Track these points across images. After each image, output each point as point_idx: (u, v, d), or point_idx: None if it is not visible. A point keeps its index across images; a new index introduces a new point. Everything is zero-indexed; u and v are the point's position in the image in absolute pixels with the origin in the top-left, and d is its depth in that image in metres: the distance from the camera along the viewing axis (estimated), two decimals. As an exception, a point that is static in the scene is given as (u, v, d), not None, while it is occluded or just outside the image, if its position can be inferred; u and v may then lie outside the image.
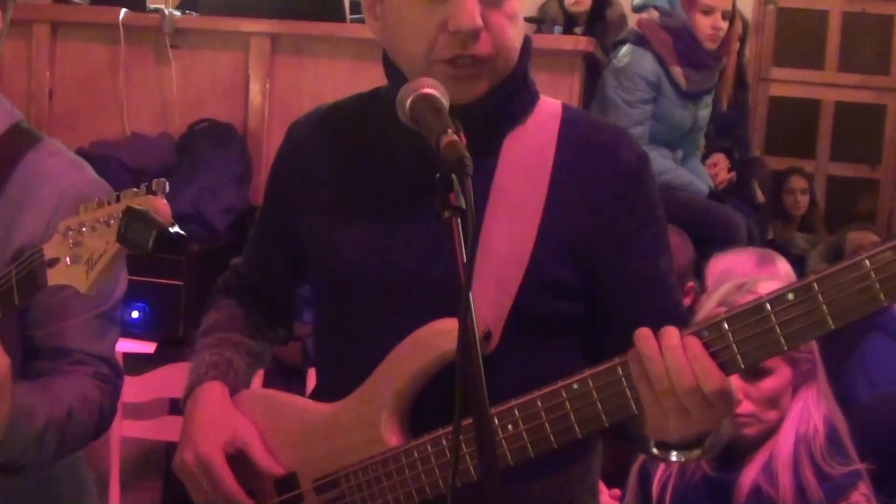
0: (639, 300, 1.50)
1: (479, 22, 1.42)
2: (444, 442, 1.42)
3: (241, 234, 3.74)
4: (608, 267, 1.50)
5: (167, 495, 3.52)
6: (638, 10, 4.26)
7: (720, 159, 4.55)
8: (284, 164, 1.68)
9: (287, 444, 1.54)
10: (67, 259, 1.37)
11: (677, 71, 4.07)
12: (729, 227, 4.08)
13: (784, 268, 2.90)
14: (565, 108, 1.58)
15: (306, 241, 1.62)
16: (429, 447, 1.43)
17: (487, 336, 1.44)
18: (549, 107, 1.58)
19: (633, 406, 1.32)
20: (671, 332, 1.28)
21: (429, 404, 1.46)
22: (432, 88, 1.34)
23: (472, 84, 1.46)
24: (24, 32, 4.01)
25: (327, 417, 1.53)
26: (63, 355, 1.65)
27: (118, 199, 1.34)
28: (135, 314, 3.50)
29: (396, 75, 1.52)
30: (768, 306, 1.23)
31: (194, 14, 4.07)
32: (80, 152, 3.81)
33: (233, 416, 1.56)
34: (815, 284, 1.20)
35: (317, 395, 1.63)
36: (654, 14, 4.12)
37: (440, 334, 1.43)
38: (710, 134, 4.60)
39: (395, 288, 1.51)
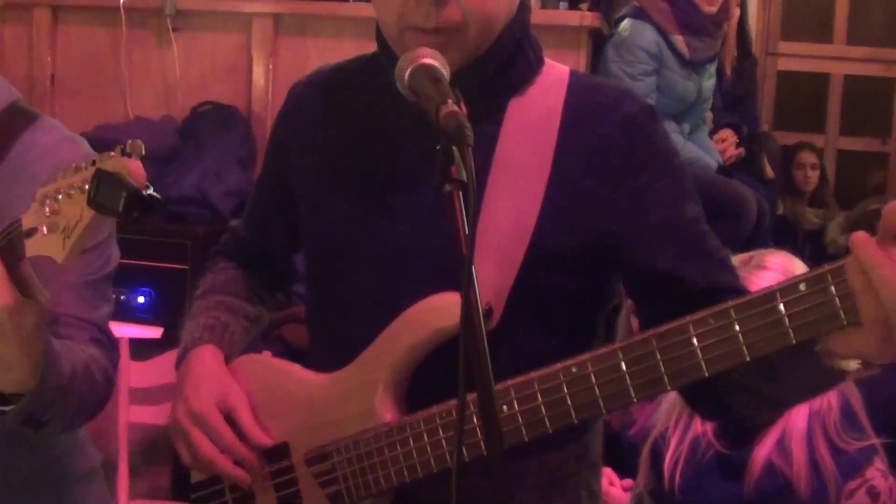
0: (670, 252, 1.42)
1: None
2: (437, 420, 1.38)
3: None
4: (626, 226, 1.43)
5: (175, 480, 3.51)
6: None
7: (728, 134, 4.52)
8: (284, 125, 1.63)
9: (279, 413, 1.51)
10: (45, 228, 1.31)
11: (678, 39, 4.06)
12: (739, 202, 4.04)
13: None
14: (573, 73, 1.53)
15: (301, 203, 1.58)
16: (422, 424, 1.39)
17: (488, 312, 1.40)
18: (557, 73, 1.53)
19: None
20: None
21: (426, 379, 1.43)
22: (431, 59, 1.31)
23: (441, 52, 1.38)
24: (24, 17, 4.00)
25: (322, 388, 1.49)
26: (55, 320, 1.61)
27: (93, 163, 1.27)
28: (141, 299, 3.49)
29: (383, 43, 1.49)
30: None
31: (196, -5, 4.05)
32: (84, 136, 3.80)
33: (225, 380, 1.53)
34: None
35: (311, 367, 1.60)
36: None
37: (437, 309, 1.40)
38: (717, 109, 4.58)
39: (390, 258, 1.47)
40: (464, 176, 1.14)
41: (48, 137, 1.73)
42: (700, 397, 1.41)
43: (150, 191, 1.23)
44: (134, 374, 3.19)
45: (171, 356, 3.12)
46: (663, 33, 4.08)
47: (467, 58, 1.43)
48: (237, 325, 1.62)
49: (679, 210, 1.45)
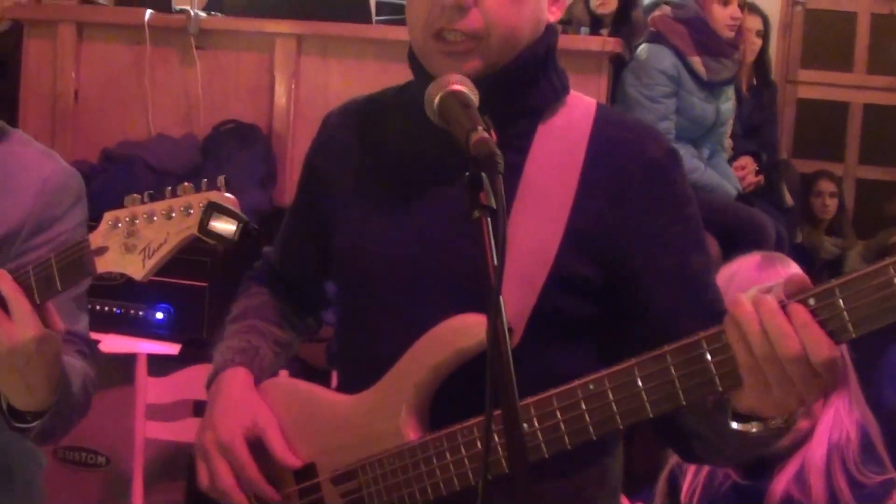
0: (669, 298, 1.47)
1: None
2: (459, 438, 1.41)
3: (267, 235, 3.73)
4: (636, 265, 1.48)
5: (190, 497, 3.51)
6: (650, 8, 4.32)
7: (748, 162, 4.53)
8: (317, 154, 1.68)
9: (307, 434, 1.55)
10: (121, 247, 1.44)
11: (696, 60, 4.11)
12: (757, 230, 4.04)
13: (787, 271, 2.83)
14: (599, 107, 1.57)
15: (332, 231, 1.62)
16: (444, 442, 1.42)
17: (509, 332, 1.42)
18: (583, 105, 1.56)
19: (682, 397, 1.26)
20: (767, 300, 1.20)
21: (449, 398, 1.46)
22: (460, 85, 1.33)
23: (461, 60, 1.45)
24: (49, 33, 4.02)
25: (347, 408, 1.53)
26: None
27: (175, 194, 1.40)
28: (159, 315, 3.50)
29: (416, 66, 1.54)
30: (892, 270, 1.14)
31: (219, 15, 4.06)
32: (106, 153, 3.85)
33: (254, 402, 1.57)
34: None
35: (339, 389, 1.63)
36: (666, 9, 4.20)
37: (460, 330, 1.43)
38: (737, 136, 4.59)
39: (417, 280, 1.50)
40: (492, 202, 1.16)
41: (24, 151, 1.83)
42: (670, 434, 1.47)
43: (254, 224, 1.39)
44: (151, 390, 3.20)
45: (188, 373, 3.17)
46: (681, 55, 4.13)
47: (489, 67, 1.46)
48: (268, 349, 1.67)
49: (687, 259, 1.49)
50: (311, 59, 3.90)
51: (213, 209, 1.37)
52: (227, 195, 1.38)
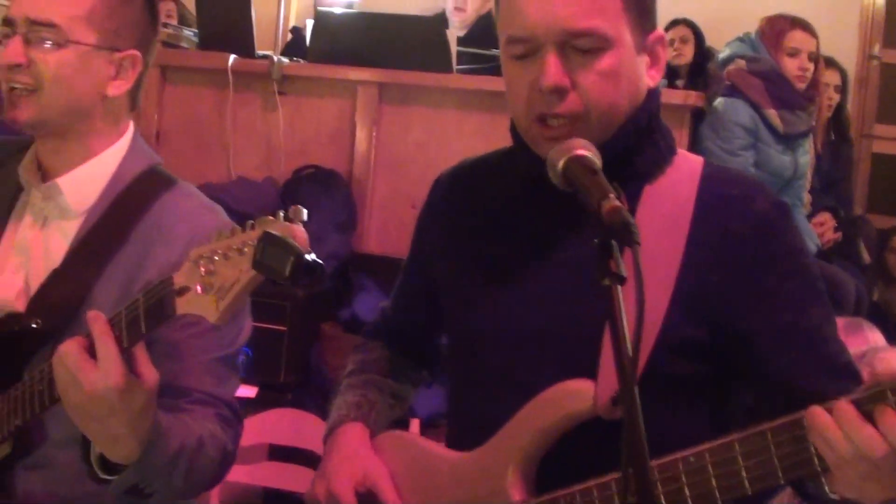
0: (788, 357, 1.44)
1: (562, 80, 1.42)
2: (578, 499, 1.40)
3: (345, 281, 3.75)
4: (750, 325, 1.45)
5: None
6: (724, 63, 4.32)
7: (826, 218, 4.49)
8: (428, 215, 1.71)
9: (417, 488, 1.57)
10: (198, 287, 1.34)
11: (772, 113, 4.11)
12: (838, 288, 4.00)
13: (874, 336, 2.78)
14: (706, 164, 1.55)
15: (443, 291, 1.65)
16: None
17: (616, 401, 1.42)
18: (690, 162, 1.55)
19: (781, 475, 1.26)
20: (844, 408, 1.21)
21: (555, 462, 1.45)
22: (584, 149, 1.33)
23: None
24: (134, 75, 4.08)
25: (457, 466, 1.55)
26: (184, 394, 1.68)
27: (252, 227, 1.30)
28: (237, 358, 3.51)
29: (517, 137, 1.55)
30: None
31: (302, 61, 4.12)
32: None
33: (367, 456, 1.61)
34: None
35: (449, 445, 1.65)
36: (742, 63, 4.20)
37: (569, 395, 1.43)
38: (815, 191, 4.55)
39: (526, 343, 1.51)
40: (622, 271, 1.15)
41: (187, 202, 1.79)
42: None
43: (313, 256, 1.25)
44: (229, 434, 3.20)
45: (264, 416, 3.18)
46: (757, 108, 4.14)
47: (593, 142, 1.43)
48: (383, 402, 1.71)
49: (805, 315, 1.46)
50: (392, 106, 3.94)
51: (268, 242, 1.24)
52: (292, 226, 1.26)
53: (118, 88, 1.81)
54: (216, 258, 1.32)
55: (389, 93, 3.93)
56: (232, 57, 3.99)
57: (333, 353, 3.50)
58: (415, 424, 3.14)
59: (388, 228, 3.88)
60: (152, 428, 1.49)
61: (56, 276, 1.74)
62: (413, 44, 3.92)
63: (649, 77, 1.51)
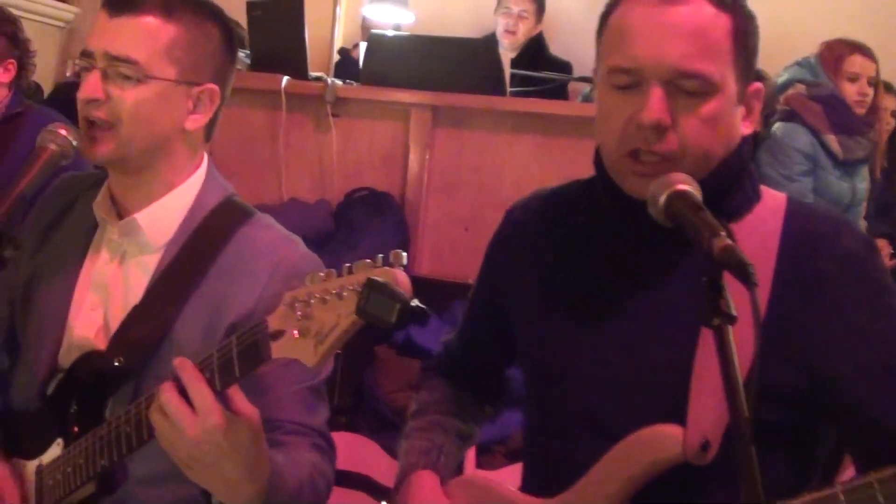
0: (879, 399, 1.39)
1: (664, 118, 1.39)
2: None
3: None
4: (839, 366, 1.40)
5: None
6: (783, 88, 4.26)
7: (884, 244, 4.43)
8: (500, 247, 1.68)
9: None
10: (295, 332, 1.32)
11: (831, 139, 4.06)
12: None
13: None
14: (790, 201, 1.52)
15: (517, 327, 1.61)
16: None
17: (705, 446, 1.38)
18: (774, 199, 1.52)
19: None
20: None
21: None
22: (686, 185, 1.30)
23: (651, 182, 1.39)
24: (187, 97, 4.09)
25: None
26: (276, 427, 1.64)
27: (350, 271, 1.28)
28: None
29: (600, 170, 1.52)
30: None
31: (354, 84, 4.11)
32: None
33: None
34: None
35: (525, 487, 1.60)
36: (801, 87, 4.16)
37: (656, 441, 1.39)
38: (871, 217, 4.50)
39: (608, 386, 1.47)
40: (732, 310, 1.12)
41: (266, 234, 1.77)
42: None
43: (416, 301, 1.24)
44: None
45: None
46: (816, 134, 4.09)
47: None
48: (451, 445, 1.68)
49: (894, 354, 1.41)
50: (446, 129, 3.92)
51: (372, 288, 1.23)
52: (395, 271, 1.24)
53: (196, 122, 1.80)
54: (312, 302, 1.31)
55: (443, 115, 3.92)
56: (285, 78, 3.98)
57: (387, 377, 3.48)
58: (470, 452, 3.11)
59: (441, 251, 3.86)
60: (268, 470, 1.46)
61: (137, 313, 1.73)
62: (466, 66, 3.91)
63: (744, 126, 1.49)
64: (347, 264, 1.29)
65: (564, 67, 5.10)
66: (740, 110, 1.47)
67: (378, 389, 3.47)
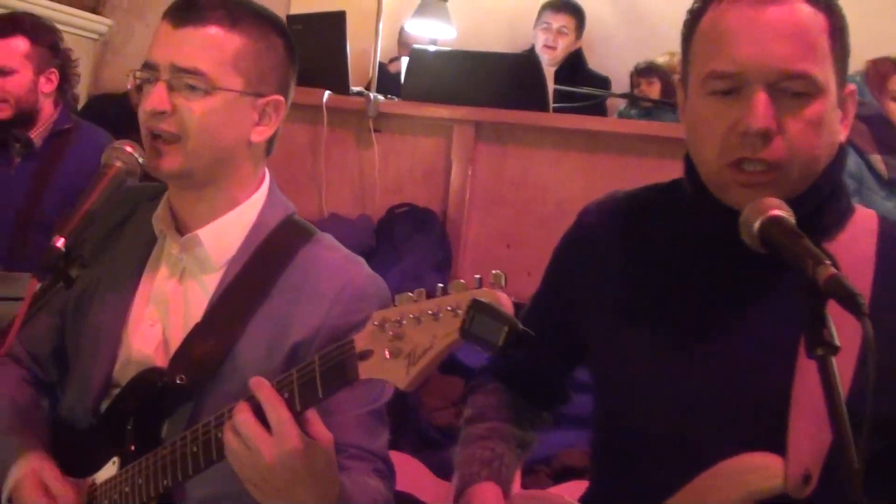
0: None
1: (771, 124, 1.34)
2: None
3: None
4: None
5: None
6: None
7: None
8: (571, 251, 1.63)
9: None
10: (386, 352, 1.30)
11: (876, 158, 4.02)
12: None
13: None
14: (882, 220, 1.48)
15: (591, 336, 1.56)
16: None
17: (806, 479, 1.34)
18: (865, 218, 1.48)
19: None
20: None
21: None
22: (780, 210, 1.27)
23: (757, 192, 1.36)
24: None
25: None
26: (339, 450, 1.61)
27: (445, 292, 1.27)
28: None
29: (693, 176, 1.46)
30: None
31: (396, 99, 4.10)
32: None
33: None
34: None
35: (590, 501, 1.57)
36: None
37: (754, 470, 1.34)
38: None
39: (702, 411, 1.41)
40: (836, 340, 1.10)
41: (329, 255, 1.75)
42: None
43: (520, 324, 1.21)
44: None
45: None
46: (861, 153, 4.03)
47: (784, 199, 1.37)
48: (511, 454, 1.62)
49: None
50: (488, 145, 3.90)
51: (478, 310, 1.20)
52: (498, 293, 1.22)
53: (261, 135, 1.78)
54: (405, 322, 1.29)
55: (485, 131, 3.90)
56: (326, 93, 3.98)
57: (430, 394, 3.45)
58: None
59: (483, 268, 3.80)
60: (337, 495, 1.45)
61: (199, 331, 1.70)
62: (509, 82, 3.90)
63: (842, 130, 1.45)
64: (440, 284, 1.28)
65: (603, 83, 5.09)
66: (839, 114, 1.43)
67: (421, 408, 3.44)
